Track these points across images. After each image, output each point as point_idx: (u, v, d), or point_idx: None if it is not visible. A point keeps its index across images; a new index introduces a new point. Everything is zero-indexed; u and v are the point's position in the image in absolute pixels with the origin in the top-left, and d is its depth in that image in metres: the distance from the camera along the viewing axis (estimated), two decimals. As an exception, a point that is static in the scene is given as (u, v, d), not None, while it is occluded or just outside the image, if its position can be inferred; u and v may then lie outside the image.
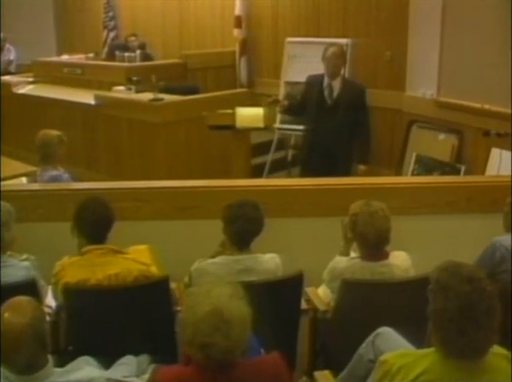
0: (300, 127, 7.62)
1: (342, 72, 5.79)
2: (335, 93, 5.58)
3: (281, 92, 8.03)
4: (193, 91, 8.19)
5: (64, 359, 2.90)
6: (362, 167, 5.72)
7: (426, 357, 2.28)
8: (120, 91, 8.04)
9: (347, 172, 5.66)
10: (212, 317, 2.17)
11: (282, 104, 5.99)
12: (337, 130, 5.50)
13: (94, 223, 3.45)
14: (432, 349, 2.30)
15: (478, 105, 6.66)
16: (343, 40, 7.70)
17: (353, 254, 3.66)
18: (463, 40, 6.86)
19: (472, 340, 2.17)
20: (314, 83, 5.65)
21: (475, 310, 2.16)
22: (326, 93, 5.66)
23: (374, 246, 3.44)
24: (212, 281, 2.68)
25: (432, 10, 7.14)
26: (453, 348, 2.21)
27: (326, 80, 5.56)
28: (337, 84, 5.57)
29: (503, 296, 2.28)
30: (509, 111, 6.30)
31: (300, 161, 6.23)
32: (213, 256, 3.53)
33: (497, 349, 2.30)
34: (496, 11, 6.48)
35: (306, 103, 5.78)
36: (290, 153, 8.28)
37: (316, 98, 5.67)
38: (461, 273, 2.23)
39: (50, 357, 2.47)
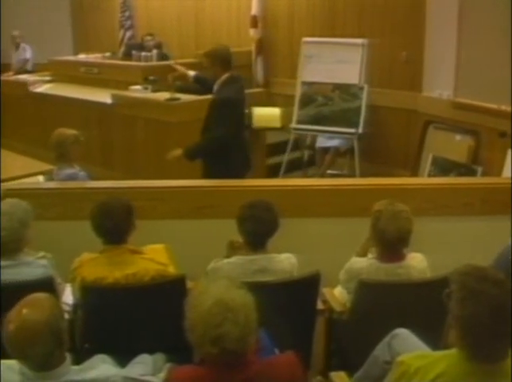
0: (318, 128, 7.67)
1: None
2: None
3: (298, 92, 8.03)
4: (209, 90, 8.17)
5: (79, 357, 2.90)
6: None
7: (444, 359, 2.27)
8: (136, 91, 8.04)
9: None
10: (217, 307, 2.20)
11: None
12: None
13: (111, 229, 3.40)
14: (450, 351, 2.28)
15: (494, 106, 6.64)
16: (359, 41, 7.68)
17: (370, 255, 3.65)
18: (480, 40, 6.83)
19: (503, 343, 2.16)
20: None
21: (506, 312, 2.14)
22: None
23: (393, 246, 3.41)
24: (207, 280, 2.71)
25: (449, 10, 7.12)
26: (482, 351, 2.19)
27: None
28: None
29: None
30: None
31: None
32: (228, 256, 3.53)
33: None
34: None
35: None
36: (306, 153, 8.29)
37: None
38: (487, 276, 2.20)
39: (68, 355, 2.48)
